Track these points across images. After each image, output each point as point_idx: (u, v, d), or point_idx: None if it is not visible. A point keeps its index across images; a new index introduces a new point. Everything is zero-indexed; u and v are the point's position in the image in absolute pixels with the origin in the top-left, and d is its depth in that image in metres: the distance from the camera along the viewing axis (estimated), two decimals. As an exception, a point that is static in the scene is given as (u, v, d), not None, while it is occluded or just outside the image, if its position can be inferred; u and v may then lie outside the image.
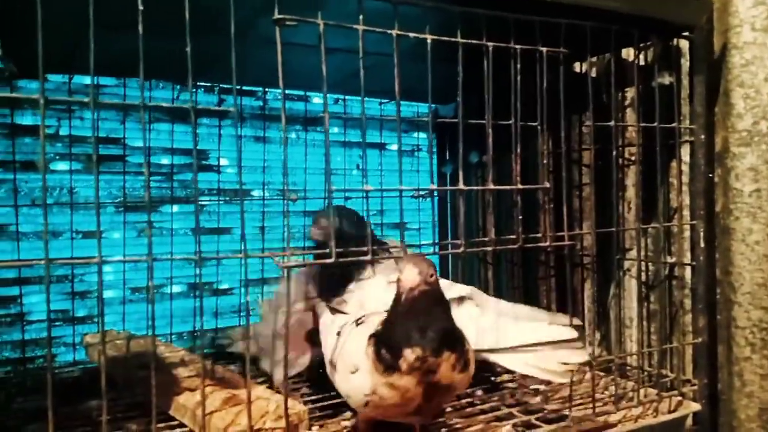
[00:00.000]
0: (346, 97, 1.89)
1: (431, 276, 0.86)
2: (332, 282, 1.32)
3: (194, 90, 0.91)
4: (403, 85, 0.91)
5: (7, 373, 1.57)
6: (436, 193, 2.12)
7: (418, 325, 0.85)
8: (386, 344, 0.87)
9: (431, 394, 0.87)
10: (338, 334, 1.05)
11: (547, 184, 1.02)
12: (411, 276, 0.85)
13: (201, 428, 1.09)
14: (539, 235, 1.04)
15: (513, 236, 1.02)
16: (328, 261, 0.88)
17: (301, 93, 1.86)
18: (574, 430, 1.14)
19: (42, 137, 0.73)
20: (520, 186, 1.00)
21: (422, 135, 2.15)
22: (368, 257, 0.91)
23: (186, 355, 1.42)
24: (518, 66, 0.98)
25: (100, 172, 1.57)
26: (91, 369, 1.52)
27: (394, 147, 2.07)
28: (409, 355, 0.84)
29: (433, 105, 2.18)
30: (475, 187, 0.98)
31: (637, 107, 1.21)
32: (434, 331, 0.85)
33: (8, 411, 1.27)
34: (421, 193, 1.90)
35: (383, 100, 1.84)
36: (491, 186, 0.98)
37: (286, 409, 0.90)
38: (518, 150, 1.00)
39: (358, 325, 1.00)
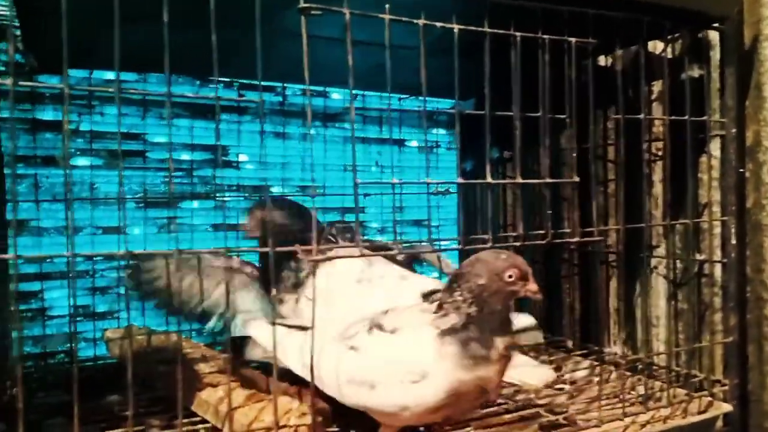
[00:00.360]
0: (365, 93, 1.87)
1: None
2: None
3: (215, 85, 0.90)
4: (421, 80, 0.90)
5: (28, 368, 1.57)
6: (456, 189, 2.11)
7: (503, 315, 0.86)
8: (473, 338, 0.85)
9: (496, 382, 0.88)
10: (352, 348, 0.94)
11: (577, 178, 0.99)
12: (511, 272, 0.86)
13: (224, 424, 1.08)
14: (567, 230, 1.02)
15: (541, 231, 1.00)
16: (355, 255, 0.86)
17: (321, 89, 1.85)
18: (601, 430, 1.12)
19: (65, 127, 0.72)
20: (549, 180, 0.98)
21: (441, 131, 2.13)
22: (396, 252, 0.89)
23: (207, 351, 1.41)
24: (546, 57, 0.96)
25: (122, 168, 1.58)
26: (112, 364, 1.52)
27: (414, 144, 2.05)
28: (500, 344, 0.85)
29: (452, 101, 2.17)
30: (503, 181, 0.96)
31: (667, 100, 1.18)
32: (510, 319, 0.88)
33: (30, 406, 1.27)
34: (443, 188, 1.89)
35: (403, 96, 1.82)
36: (519, 180, 0.96)
37: (313, 404, 0.88)
38: (548, 143, 0.97)
39: (391, 332, 0.91)
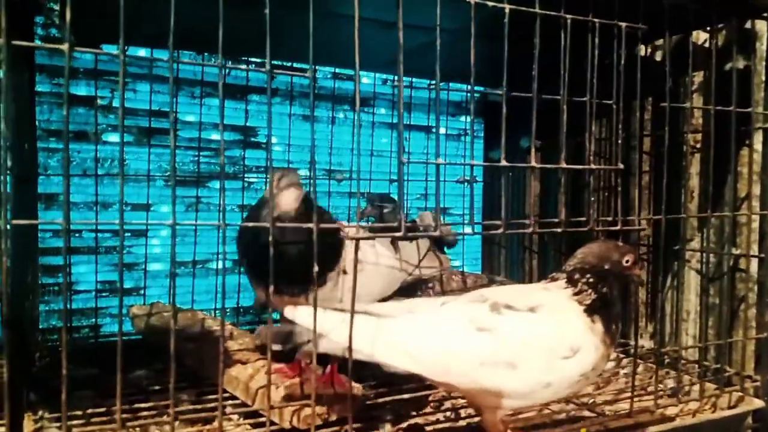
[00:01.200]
0: (395, 78, 1.86)
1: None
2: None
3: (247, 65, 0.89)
4: (453, 66, 0.88)
5: (54, 342, 1.58)
6: (482, 179, 2.10)
7: (620, 299, 0.93)
8: (612, 316, 0.91)
9: None
10: (481, 329, 0.87)
11: (621, 165, 0.98)
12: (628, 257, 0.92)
13: (254, 400, 1.09)
14: (610, 218, 1.00)
15: (583, 218, 0.98)
16: (396, 234, 0.85)
17: (351, 72, 1.84)
18: (632, 421, 1.11)
19: (96, 102, 0.72)
20: (593, 166, 0.97)
21: (470, 119, 2.11)
22: (436, 233, 0.88)
23: (234, 330, 1.41)
24: (596, 40, 0.95)
25: (150, 145, 1.59)
26: (137, 340, 1.53)
27: (442, 131, 2.03)
28: (617, 326, 0.92)
29: (480, 87, 2.15)
30: (549, 166, 0.94)
31: (713, 90, 1.16)
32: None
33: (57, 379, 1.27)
34: (467, 177, 1.87)
35: (432, 82, 1.80)
36: (564, 165, 0.94)
37: (350, 383, 0.88)
38: (592, 128, 0.96)
39: (530, 311, 0.89)
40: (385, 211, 1.50)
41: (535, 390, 0.87)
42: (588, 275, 0.91)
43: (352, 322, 0.81)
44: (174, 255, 0.82)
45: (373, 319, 0.88)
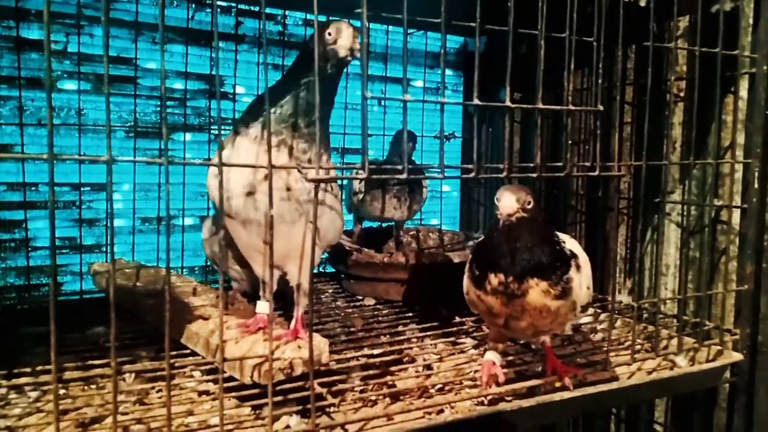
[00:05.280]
0: (369, 26, 1.77)
1: (529, 204, 0.89)
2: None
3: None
4: (430, 15, 0.81)
5: (11, 299, 1.51)
6: (461, 134, 2.04)
7: (507, 251, 0.90)
8: (478, 266, 0.95)
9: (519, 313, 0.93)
10: None
11: (600, 107, 0.92)
12: (509, 203, 0.88)
13: (214, 356, 1.03)
14: (588, 164, 0.95)
15: (559, 164, 0.93)
16: (360, 177, 0.79)
17: (324, 18, 1.75)
18: (609, 374, 1.08)
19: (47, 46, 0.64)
20: (571, 107, 0.91)
21: (448, 72, 2.04)
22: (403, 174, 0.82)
23: (198, 286, 1.35)
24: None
25: (110, 93, 1.49)
26: (98, 298, 1.46)
27: (419, 84, 1.96)
28: (493, 279, 0.91)
29: (460, 38, 2.07)
30: (524, 106, 0.88)
31: (699, 32, 1.10)
32: (523, 259, 0.90)
33: (15, 336, 1.22)
34: (448, 134, 1.81)
35: (411, 31, 1.73)
36: (540, 105, 0.88)
37: (311, 340, 0.83)
38: (571, 67, 0.90)
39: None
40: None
41: None
42: None
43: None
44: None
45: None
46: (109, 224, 1.55)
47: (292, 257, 1.05)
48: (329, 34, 1.02)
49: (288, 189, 0.99)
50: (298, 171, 0.85)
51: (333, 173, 1.10)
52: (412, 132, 1.71)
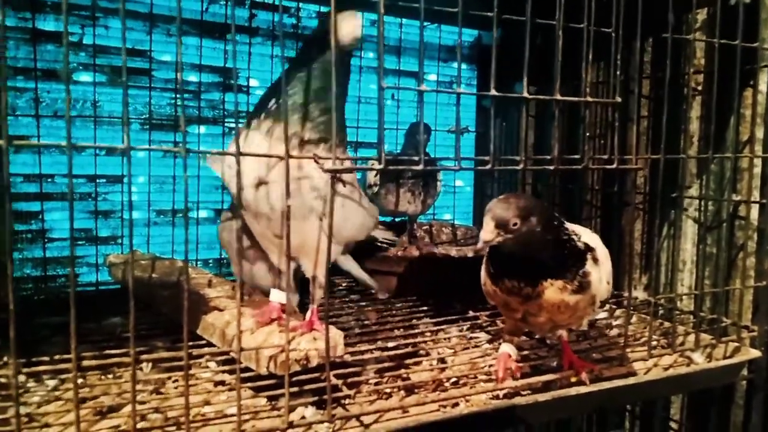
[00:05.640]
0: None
1: (515, 225, 0.86)
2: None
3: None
4: (445, 8, 0.81)
5: (27, 290, 1.52)
6: (475, 129, 2.03)
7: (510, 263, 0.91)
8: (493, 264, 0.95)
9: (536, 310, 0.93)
10: None
11: (619, 99, 0.91)
12: (487, 229, 0.87)
13: (230, 347, 1.04)
14: (605, 156, 0.94)
15: (577, 156, 0.92)
16: (376, 167, 0.79)
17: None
18: (624, 370, 1.08)
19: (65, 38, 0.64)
20: (589, 99, 0.90)
21: (463, 66, 2.03)
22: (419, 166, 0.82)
23: (213, 278, 1.36)
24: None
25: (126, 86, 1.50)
26: (114, 289, 1.48)
27: (432, 77, 1.95)
28: (507, 282, 0.92)
29: (475, 32, 2.06)
30: (541, 97, 0.87)
31: (718, 23, 1.09)
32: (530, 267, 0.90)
33: (32, 326, 1.23)
34: (463, 128, 1.80)
35: (425, 23, 1.71)
36: (558, 96, 0.87)
37: (327, 331, 0.83)
38: (589, 58, 0.89)
39: None
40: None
41: None
42: None
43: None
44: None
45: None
46: (126, 215, 1.58)
47: (305, 251, 1.05)
48: (334, 22, 1.02)
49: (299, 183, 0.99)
50: (315, 161, 0.84)
51: (348, 164, 1.09)
52: (427, 124, 1.70)
